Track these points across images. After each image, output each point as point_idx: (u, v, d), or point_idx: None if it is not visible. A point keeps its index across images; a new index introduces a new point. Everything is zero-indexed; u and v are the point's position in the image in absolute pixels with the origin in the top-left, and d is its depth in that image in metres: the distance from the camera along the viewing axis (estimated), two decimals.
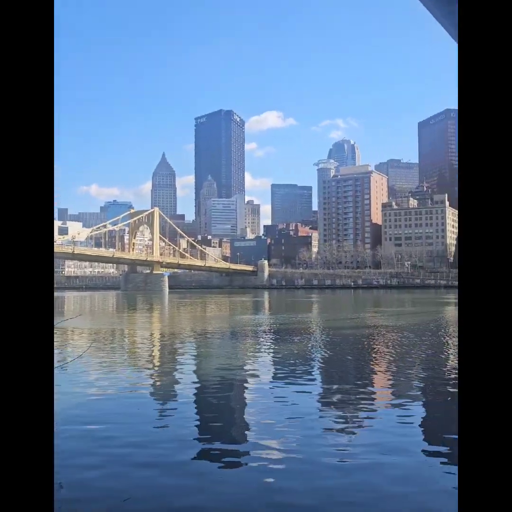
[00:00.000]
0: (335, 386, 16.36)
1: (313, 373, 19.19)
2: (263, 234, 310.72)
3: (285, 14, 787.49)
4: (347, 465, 9.41)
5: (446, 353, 23.45)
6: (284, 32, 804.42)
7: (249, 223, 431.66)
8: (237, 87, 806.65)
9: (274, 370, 19.81)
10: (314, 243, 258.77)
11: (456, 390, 15.71)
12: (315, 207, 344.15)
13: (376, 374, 19.10)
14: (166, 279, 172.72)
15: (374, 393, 15.65)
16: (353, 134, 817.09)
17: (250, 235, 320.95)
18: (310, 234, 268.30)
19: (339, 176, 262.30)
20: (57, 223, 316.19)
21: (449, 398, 14.64)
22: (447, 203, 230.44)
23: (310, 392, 15.58)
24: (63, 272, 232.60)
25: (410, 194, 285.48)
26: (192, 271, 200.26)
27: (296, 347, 25.63)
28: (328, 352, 24.03)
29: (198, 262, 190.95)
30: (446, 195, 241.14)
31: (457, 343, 26.05)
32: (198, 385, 17.22)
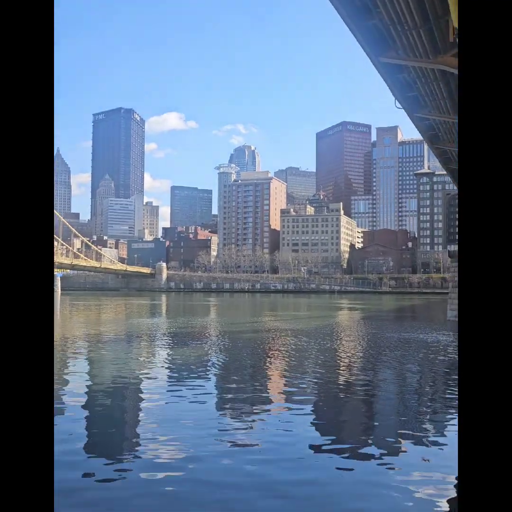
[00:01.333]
0: (232, 390, 16.35)
1: (210, 377, 19.08)
2: (161, 236, 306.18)
3: (190, 17, 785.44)
4: (242, 465, 9.39)
5: (338, 356, 24.26)
6: (187, 35, 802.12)
7: (147, 224, 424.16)
8: (137, 85, 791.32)
9: (170, 374, 19.46)
10: (214, 247, 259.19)
11: (345, 393, 16.28)
12: (215, 210, 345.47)
13: (272, 377, 19.35)
14: (58, 280, 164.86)
15: (269, 395, 15.83)
16: (254, 140, 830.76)
17: (148, 237, 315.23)
18: (210, 238, 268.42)
19: (239, 181, 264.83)
20: None
21: (335, 408, 15.08)
22: (341, 211, 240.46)
23: (206, 398, 15.47)
24: None
25: (307, 202, 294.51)
26: (87, 272, 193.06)
27: (194, 351, 25.40)
28: (226, 355, 24.03)
29: (93, 263, 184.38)
30: (341, 203, 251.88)
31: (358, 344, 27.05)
32: (90, 391, 16.49)
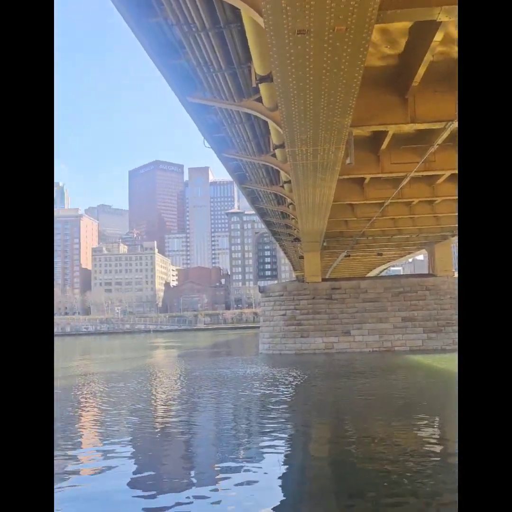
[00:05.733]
0: None
1: None
2: None
3: None
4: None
5: (155, 397, 23.64)
6: None
7: None
8: None
9: None
10: None
11: (163, 433, 15.82)
12: None
13: (85, 425, 18.07)
14: None
15: (82, 442, 14.70)
16: (63, 178, 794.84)
17: None
18: None
19: None
20: None
21: (152, 448, 14.60)
22: (155, 249, 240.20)
23: None
24: None
25: (120, 240, 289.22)
26: None
27: None
28: None
29: None
30: (155, 242, 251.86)
31: (174, 382, 26.51)
32: None
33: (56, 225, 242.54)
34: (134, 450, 14.06)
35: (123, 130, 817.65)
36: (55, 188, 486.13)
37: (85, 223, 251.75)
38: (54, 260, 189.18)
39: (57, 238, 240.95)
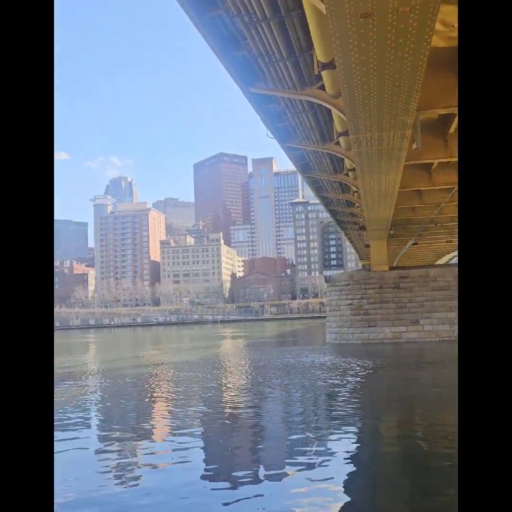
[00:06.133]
0: (114, 429, 15.45)
1: (90, 418, 17.93)
2: None
3: (58, 43, 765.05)
4: (131, 506, 8.76)
5: (224, 386, 24.02)
6: (57, 64, 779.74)
7: None
8: None
9: None
10: (91, 281, 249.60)
11: (233, 424, 16.05)
12: (91, 243, 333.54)
13: (157, 413, 18.62)
14: None
15: (155, 432, 15.16)
16: (130, 172, 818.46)
17: None
18: (87, 272, 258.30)
19: (116, 213, 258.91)
20: None
21: (222, 438, 14.83)
22: (221, 241, 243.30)
23: (87, 444, 14.46)
24: None
25: (187, 232, 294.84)
26: None
27: (71, 392, 23.83)
28: (107, 394, 22.82)
29: None
30: (221, 233, 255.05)
31: (241, 373, 26.91)
32: None
33: (126, 219, 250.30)
34: (204, 439, 14.36)
35: (187, 124, 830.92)
36: (123, 183, 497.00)
37: (153, 216, 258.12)
38: (126, 253, 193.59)
39: (127, 231, 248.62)
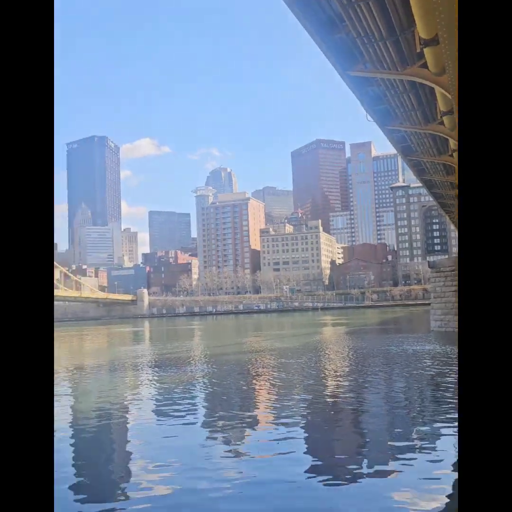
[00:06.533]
0: (219, 415, 15.91)
1: (197, 403, 18.60)
2: (141, 262, 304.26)
3: (154, 40, 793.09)
4: (238, 495, 8.99)
5: (326, 373, 23.95)
6: (153, 60, 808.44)
7: (126, 251, 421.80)
8: (107, 113, 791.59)
9: (156, 403, 18.92)
10: (194, 270, 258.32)
11: (335, 411, 15.96)
12: (194, 234, 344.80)
13: (260, 399, 18.94)
14: None
15: (259, 419, 15.43)
16: (229, 162, 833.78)
17: (128, 264, 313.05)
18: (190, 261, 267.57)
19: (217, 203, 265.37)
20: None
21: (326, 427, 14.77)
22: (320, 228, 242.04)
23: (194, 424, 15.01)
24: None
25: (286, 220, 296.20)
26: (67, 302, 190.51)
27: (179, 377, 24.85)
28: (212, 380, 23.55)
29: (73, 293, 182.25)
30: (320, 221, 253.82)
31: (342, 360, 26.77)
32: (74, 424, 15.92)
33: (226, 209, 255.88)
34: (308, 427, 14.41)
35: (283, 112, 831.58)
36: (223, 174, 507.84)
37: (252, 205, 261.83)
38: (227, 243, 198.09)
39: (227, 221, 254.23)
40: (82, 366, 33.77)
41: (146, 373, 27.54)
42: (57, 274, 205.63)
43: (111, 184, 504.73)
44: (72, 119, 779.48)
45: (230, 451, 11.96)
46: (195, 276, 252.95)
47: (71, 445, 13.48)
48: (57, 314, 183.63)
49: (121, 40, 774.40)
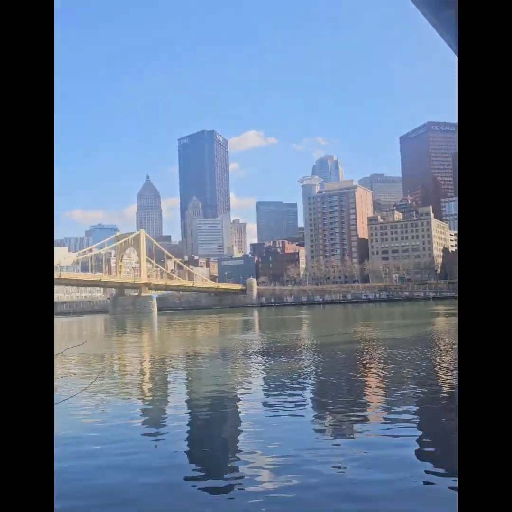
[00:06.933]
0: (329, 406, 16.00)
1: (306, 393, 18.81)
2: (250, 253, 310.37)
3: (260, 33, 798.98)
4: (346, 489, 9.05)
5: (440, 366, 23.19)
6: (260, 52, 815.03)
7: (235, 242, 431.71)
8: (214, 108, 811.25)
9: (266, 392, 19.40)
10: (302, 259, 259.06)
11: (447, 404, 15.44)
12: (301, 223, 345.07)
13: (370, 391, 18.77)
14: (154, 301, 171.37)
15: (368, 412, 15.32)
16: (335, 150, 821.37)
17: (237, 254, 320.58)
18: (297, 251, 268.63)
19: (324, 192, 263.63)
20: None
21: (443, 419, 14.34)
22: (431, 215, 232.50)
23: (303, 415, 15.22)
24: None
25: (395, 208, 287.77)
26: (181, 292, 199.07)
27: (288, 366, 25.24)
28: (321, 369, 23.67)
29: (186, 283, 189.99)
30: (431, 207, 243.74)
31: (456, 353, 25.81)
32: (189, 409, 16.78)
33: (333, 198, 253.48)
34: (419, 422, 14.11)
35: (390, 95, 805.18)
36: (329, 162, 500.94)
37: (359, 193, 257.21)
38: (334, 232, 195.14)
39: (334, 210, 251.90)
40: (195, 353, 35.25)
41: (257, 361, 28.22)
42: (171, 265, 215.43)
43: (220, 176, 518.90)
44: (182, 115, 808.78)
45: (338, 445, 11.95)
46: (302, 265, 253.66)
47: (186, 432, 14.21)
48: (171, 303, 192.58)
49: (242, 39, 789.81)
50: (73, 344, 38.77)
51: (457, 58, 4.22)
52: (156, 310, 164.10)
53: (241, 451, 11.72)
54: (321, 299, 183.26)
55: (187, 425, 14.70)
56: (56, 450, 10.58)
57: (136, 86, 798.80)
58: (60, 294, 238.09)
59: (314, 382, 20.75)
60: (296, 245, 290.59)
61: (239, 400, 17.91)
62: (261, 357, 30.37)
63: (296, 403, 16.37)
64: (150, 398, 19.33)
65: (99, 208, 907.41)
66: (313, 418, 14.78)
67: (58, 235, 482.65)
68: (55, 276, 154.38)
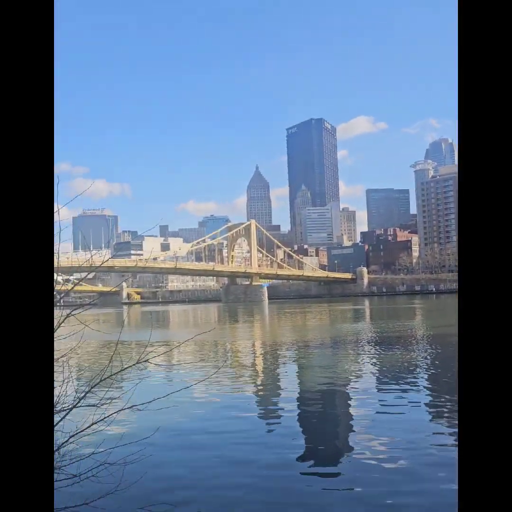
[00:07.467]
0: (443, 396, 15.80)
1: (418, 383, 18.64)
2: (360, 241, 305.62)
3: (365, 20, 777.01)
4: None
5: None
6: (363, 38, 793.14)
7: (345, 230, 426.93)
8: (321, 95, 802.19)
9: (378, 380, 19.46)
10: (414, 247, 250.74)
11: None
12: (413, 210, 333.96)
13: None
14: (265, 290, 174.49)
15: None
16: (450, 133, 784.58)
17: (346, 243, 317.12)
18: (410, 238, 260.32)
19: (438, 177, 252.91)
20: (159, 240, 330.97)
21: None
22: None
23: (418, 402, 15.18)
24: (167, 287, 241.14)
25: None
26: (290, 281, 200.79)
27: (400, 356, 25.02)
28: (434, 360, 23.24)
29: (296, 272, 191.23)
30: None
31: None
32: (301, 396, 17.30)
33: (448, 182, 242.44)
34: None
35: None
36: (443, 145, 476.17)
37: None
38: (450, 217, 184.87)
39: (449, 194, 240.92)
40: (306, 342, 35.77)
41: (368, 351, 28.19)
42: (281, 255, 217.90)
43: (329, 164, 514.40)
44: (290, 103, 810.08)
45: (453, 432, 11.91)
46: (415, 253, 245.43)
47: (298, 415, 14.74)
48: (281, 292, 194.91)
49: (333, 36, 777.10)
50: (198, 331, 40.74)
51: (457, 58, 4.26)
52: (267, 299, 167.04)
53: (353, 448, 11.64)
54: (434, 289, 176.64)
55: (299, 409, 15.21)
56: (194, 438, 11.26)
57: (243, 79, 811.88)
58: (176, 283, 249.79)
59: (427, 374, 20.45)
60: (409, 232, 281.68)
61: (351, 388, 18.08)
62: (372, 346, 30.25)
63: (408, 393, 16.29)
64: (262, 389, 19.72)
65: (211, 199, 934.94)
66: (428, 406, 14.71)
67: (172, 226, 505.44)
68: (171, 266, 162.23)
